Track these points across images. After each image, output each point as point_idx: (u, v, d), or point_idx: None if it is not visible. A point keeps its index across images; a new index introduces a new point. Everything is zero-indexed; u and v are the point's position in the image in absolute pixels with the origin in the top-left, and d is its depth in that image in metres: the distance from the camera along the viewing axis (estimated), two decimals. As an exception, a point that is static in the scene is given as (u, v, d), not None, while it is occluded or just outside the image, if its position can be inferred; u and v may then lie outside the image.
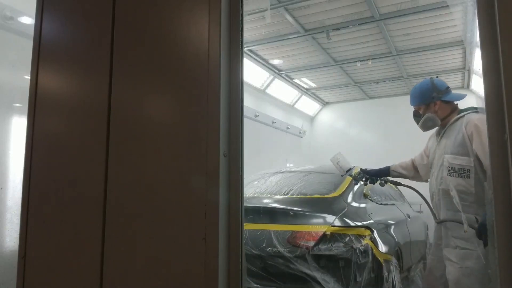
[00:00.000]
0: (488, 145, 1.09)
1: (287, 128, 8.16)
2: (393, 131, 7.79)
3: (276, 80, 7.36)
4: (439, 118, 2.50)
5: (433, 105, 2.51)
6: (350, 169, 2.99)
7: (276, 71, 7.08)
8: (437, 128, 2.60)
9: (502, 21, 1.06)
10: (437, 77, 2.66)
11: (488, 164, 2.12)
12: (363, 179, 2.96)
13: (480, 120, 2.29)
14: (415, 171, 2.83)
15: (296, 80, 7.70)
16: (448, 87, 2.56)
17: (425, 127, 2.57)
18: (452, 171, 2.33)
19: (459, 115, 2.45)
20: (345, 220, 2.88)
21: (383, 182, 2.94)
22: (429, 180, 2.64)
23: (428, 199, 2.66)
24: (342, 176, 3.07)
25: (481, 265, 2.17)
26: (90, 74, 1.64)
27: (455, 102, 2.55)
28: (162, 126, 1.47)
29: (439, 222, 2.49)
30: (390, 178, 2.94)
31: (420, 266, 4.20)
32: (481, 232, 2.05)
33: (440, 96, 2.50)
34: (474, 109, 2.44)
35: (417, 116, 2.60)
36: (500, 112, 1.05)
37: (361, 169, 2.99)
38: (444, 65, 6.86)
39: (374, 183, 2.96)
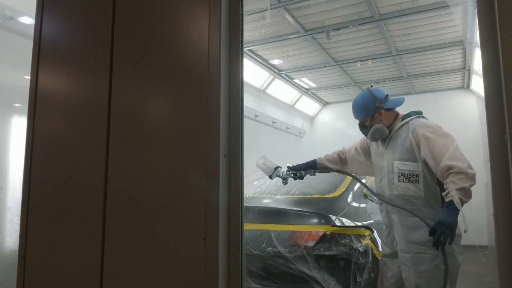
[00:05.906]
0: (488, 145, 1.09)
1: (287, 128, 8.15)
2: (393, 131, 7.77)
3: (276, 80, 7.35)
4: (384, 126, 2.52)
5: (378, 115, 2.52)
6: (277, 168, 2.91)
7: (276, 71, 7.08)
8: None
9: (502, 21, 1.06)
10: (371, 86, 2.67)
11: (437, 168, 2.20)
12: (292, 175, 2.90)
13: (425, 127, 2.35)
14: (341, 164, 2.88)
15: (296, 80, 7.69)
16: (387, 95, 2.58)
17: (374, 138, 2.57)
18: (402, 176, 2.39)
19: (403, 122, 2.49)
20: (345, 220, 2.88)
21: (312, 172, 2.89)
22: (375, 183, 2.65)
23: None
24: (270, 176, 2.91)
25: (436, 267, 2.22)
26: (90, 74, 1.64)
27: (396, 108, 2.58)
28: (162, 126, 1.47)
29: (387, 203, 2.48)
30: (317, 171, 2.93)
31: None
32: (435, 230, 2.10)
33: (383, 105, 2.53)
34: (416, 114, 2.50)
35: (363, 127, 2.60)
36: (500, 112, 1.05)
37: (288, 166, 2.95)
38: (444, 65, 6.85)
39: (302, 178, 2.89)
